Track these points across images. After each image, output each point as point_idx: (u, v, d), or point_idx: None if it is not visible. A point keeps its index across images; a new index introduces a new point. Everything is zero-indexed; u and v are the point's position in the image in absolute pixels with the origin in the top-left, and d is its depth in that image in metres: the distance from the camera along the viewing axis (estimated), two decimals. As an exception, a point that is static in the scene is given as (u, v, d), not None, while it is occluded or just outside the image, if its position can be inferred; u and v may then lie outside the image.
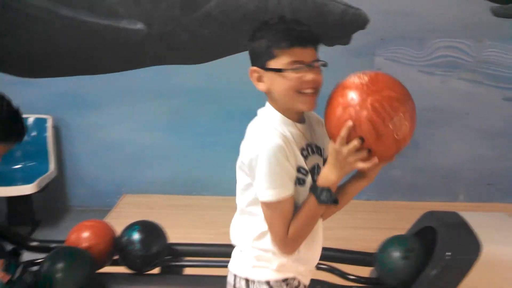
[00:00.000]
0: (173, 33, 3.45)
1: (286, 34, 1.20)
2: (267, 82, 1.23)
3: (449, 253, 1.85)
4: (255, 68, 1.25)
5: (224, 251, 2.24)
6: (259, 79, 1.25)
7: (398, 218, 2.55)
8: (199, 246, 2.32)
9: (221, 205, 3.46)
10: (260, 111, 1.31)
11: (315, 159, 1.30)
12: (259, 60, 1.24)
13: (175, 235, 2.34)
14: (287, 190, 1.21)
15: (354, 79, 1.20)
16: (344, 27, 3.39)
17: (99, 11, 3.40)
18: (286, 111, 1.26)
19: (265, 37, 1.22)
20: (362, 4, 3.33)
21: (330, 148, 1.21)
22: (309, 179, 1.25)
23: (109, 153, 3.69)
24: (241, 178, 1.29)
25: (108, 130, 3.66)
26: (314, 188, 1.23)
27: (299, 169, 1.23)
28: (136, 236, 2.17)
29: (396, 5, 3.38)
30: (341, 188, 1.29)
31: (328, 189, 1.21)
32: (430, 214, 2.14)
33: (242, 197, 1.31)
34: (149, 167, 3.70)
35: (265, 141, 1.20)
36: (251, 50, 1.26)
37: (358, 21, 3.36)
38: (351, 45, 3.44)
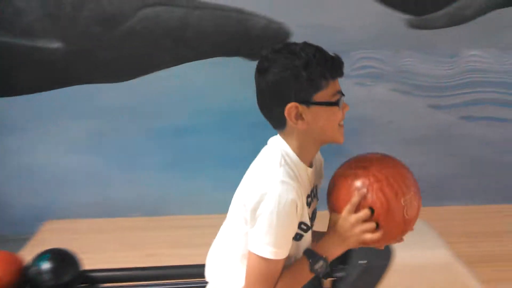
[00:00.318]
0: (93, 51, 3.35)
1: (331, 64, 1.10)
2: (309, 117, 1.09)
3: (363, 261, 1.87)
4: (296, 104, 1.08)
5: (140, 275, 2.16)
6: (298, 116, 1.09)
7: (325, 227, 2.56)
8: (116, 271, 2.21)
9: (147, 226, 3.38)
10: (272, 143, 1.17)
11: (315, 203, 1.24)
12: (298, 94, 1.07)
13: (99, 261, 2.25)
14: (287, 250, 1.11)
15: (366, 154, 1.19)
16: (266, 41, 3.42)
17: (14, 30, 3.27)
18: (308, 151, 1.16)
19: (306, 67, 1.06)
20: (285, 18, 3.38)
21: (334, 218, 1.15)
22: (306, 235, 1.17)
23: (30, 177, 3.51)
24: (243, 225, 1.15)
25: (28, 153, 3.49)
26: (310, 254, 1.14)
27: (300, 225, 1.14)
28: (45, 265, 2.05)
29: (317, 19, 3.44)
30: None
31: (325, 260, 1.13)
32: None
33: (241, 242, 1.17)
34: (73, 191, 3.54)
35: (280, 194, 1.07)
36: (280, 82, 1.07)
37: (281, 35, 3.42)
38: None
